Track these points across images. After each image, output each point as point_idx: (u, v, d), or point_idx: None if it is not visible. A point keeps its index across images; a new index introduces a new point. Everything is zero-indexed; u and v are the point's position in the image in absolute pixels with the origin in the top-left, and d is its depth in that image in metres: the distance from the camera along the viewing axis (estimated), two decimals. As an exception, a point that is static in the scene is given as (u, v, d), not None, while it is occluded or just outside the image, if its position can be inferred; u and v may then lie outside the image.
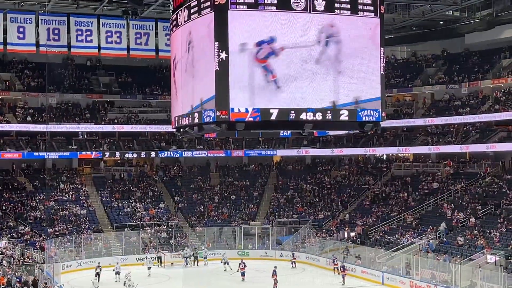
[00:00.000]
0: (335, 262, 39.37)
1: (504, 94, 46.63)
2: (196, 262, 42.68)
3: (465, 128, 48.44)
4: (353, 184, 52.18)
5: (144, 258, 42.58)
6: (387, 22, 42.70)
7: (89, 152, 49.95)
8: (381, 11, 26.28)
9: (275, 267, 36.65)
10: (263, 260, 44.03)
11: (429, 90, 52.03)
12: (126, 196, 49.79)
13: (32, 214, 44.70)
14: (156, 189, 51.43)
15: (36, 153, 48.29)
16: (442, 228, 39.97)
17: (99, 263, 38.25)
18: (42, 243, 40.63)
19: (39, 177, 49.50)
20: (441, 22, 48.71)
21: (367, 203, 48.81)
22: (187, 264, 42.51)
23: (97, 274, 36.92)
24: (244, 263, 38.73)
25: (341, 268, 37.64)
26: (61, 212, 46.06)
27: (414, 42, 52.52)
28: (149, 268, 39.81)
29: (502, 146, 43.83)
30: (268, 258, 44.51)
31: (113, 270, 37.66)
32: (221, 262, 41.14)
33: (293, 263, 41.90)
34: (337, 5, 25.03)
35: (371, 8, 25.72)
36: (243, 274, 38.13)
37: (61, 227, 44.13)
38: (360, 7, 25.51)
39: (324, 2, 24.65)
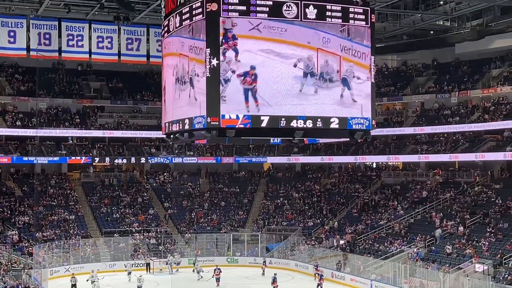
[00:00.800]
0: (318, 268, 39.57)
1: (494, 104, 46.91)
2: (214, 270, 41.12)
3: (454, 137, 48.67)
4: (343, 192, 52.27)
5: (133, 264, 42.44)
6: (378, 31, 42.88)
7: (79, 157, 49.78)
8: (372, 20, 26.44)
9: (275, 274, 36.70)
10: (252, 268, 44.00)
11: (419, 99, 52.26)
12: (115, 202, 49.63)
13: (20, 219, 44.47)
14: (146, 195, 51.31)
15: (25, 158, 48.10)
16: (437, 234, 40.12)
17: (92, 271, 37.53)
18: (30, 248, 40.41)
19: (28, 182, 49.27)
20: (432, 32, 48.99)
21: (356, 211, 48.89)
22: (171, 271, 42.33)
23: (73, 286, 35.86)
24: (219, 268, 38.79)
25: (319, 276, 37.88)
26: (50, 217, 45.86)
27: (404, 51, 52.75)
28: (129, 273, 39.66)
29: (491, 155, 44.06)
30: (257, 265, 44.46)
31: (87, 280, 36.27)
32: (193, 271, 40.77)
33: (263, 270, 41.58)
34: (328, 13, 25.21)
35: (362, 17, 25.88)
36: (218, 280, 38.17)
37: (50, 232, 43.92)
38: (351, 15, 25.69)
39: (315, 10, 24.78)
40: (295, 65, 24.20)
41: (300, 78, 24.02)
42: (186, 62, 25.31)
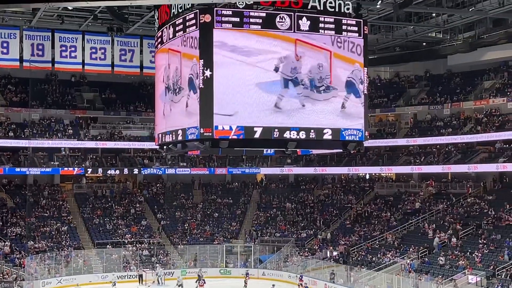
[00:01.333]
0: (302, 279, 39.56)
1: (486, 116, 47.12)
2: (198, 281, 40.46)
3: (447, 149, 48.83)
4: (336, 203, 52.28)
5: (125, 276, 42.27)
6: (371, 43, 43.08)
7: (71, 168, 49.61)
8: (365, 32, 26.61)
9: (273, 285, 36.52)
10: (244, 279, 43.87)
11: (412, 111, 52.46)
12: (108, 213, 49.48)
13: (12, 230, 44.26)
14: (138, 206, 51.18)
15: (17, 169, 47.90)
16: (435, 243, 40.17)
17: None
18: (22, 259, 40.21)
19: (20, 193, 49.09)
20: (424, 44, 49.25)
21: (349, 222, 48.89)
22: (159, 282, 42.06)
23: None
24: (204, 280, 38.71)
25: (304, 286, 37.94)
26: (42, 229, 45.67)
27: (397, 63, 53.01)
28: (113, 285, 39.44)
29: (484, 167, 44.22)
30: (250, 277, 44.29)
31: None
32: (177, 284, 40.65)
33: (245, 283, 41.16)
34: (321, 25, 25.37)
35: (355, 28, 26.07)
36: None
37: (42, 243, 43.72)
38: (344, 27, 25.86)
39: (308, 22, 24.93)
40: (276, 69, 24.20)
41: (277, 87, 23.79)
42: (178, 71, 25.31)
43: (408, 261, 39.02)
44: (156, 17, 28.75)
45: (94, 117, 53.82)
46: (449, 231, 41.29)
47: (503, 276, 33.89)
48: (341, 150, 28.05)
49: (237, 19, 24.11)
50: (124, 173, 51.95)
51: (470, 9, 39.39)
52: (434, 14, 42.36)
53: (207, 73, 23.06)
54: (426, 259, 39.24)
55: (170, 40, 26.21)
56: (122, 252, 44.72)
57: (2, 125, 49.64)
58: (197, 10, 24.04)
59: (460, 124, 48.49)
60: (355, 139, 25.23)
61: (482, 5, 38.76)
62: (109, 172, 51.07)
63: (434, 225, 43.07)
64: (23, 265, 39.40)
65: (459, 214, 43.42)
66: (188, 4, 24.06)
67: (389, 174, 53.42)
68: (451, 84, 51.66)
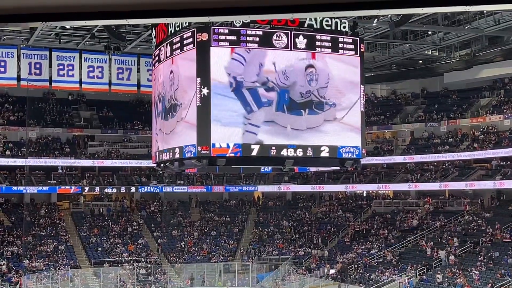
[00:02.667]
0: None
1: (483, 133, 47.21)
2: None
3: (444, 166, 48.84)
4: (334, 221, 52.16)
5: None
6: (367, 60, 43.25)
7: (68, 187, 49.49)
8: (361, 50, 26.74)
9: None
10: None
11: (408, 128, 52.55)
12: (105, 232, 49.30)
13: (9, 249, 44.05)
14: (135, 225, 51.00)
15: (14, 188, 47.77)
16: (442, 256, 40.06)
17: None
18: (19, 279, 39.96)
19: (17, 212, 48.92)
20: (420, 61, 49.46)
21: (347, 240, 48.76)
22: None
23: None
24: None
25: None
26: (39, 248, 45.46)
27: (393, 80, 53.18)
28: None
29: (481, 184, 44.22)
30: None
31: None
32: None
33: None
34: (318, 43, 25.48)
35: (352, 46, 26.20)
36: None
37: (39, 262, 43.50)
38: (340, 45, 25.99)
39: (305, 40, 25.05)
40: (272, 88, 24.29)
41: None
42: (176, 89, 25.36)
43: (406, 279, 38.86)
44: (153, 36, 28.87)
45: (91, 135, 53.82)
46: (447, 249, 41.19)
47: (501, 294, 33.77)
48: (339, 168, 28.07)
49: (234, 38, 24.24)
50: (121, 191, 51.82)
51: (466, 27, 39.62)
52: (430, 32, 42.59)
53: (204, 91, 23.12)
54: (425, 276, 39.09)
55: (167, 58, 26.30)
56: (119, 271, 44.49)
57: (-1, 143, 49.63)
58: (194, 29, 24.16)
59: (457, 141, 48.57)
60: (352, 156, 25.26)
61: (478, 23, 39.00)
62: (106, 190, 50.95)
63: (432, 242, 42.97)
64: (19, 285, 39.15)
65: (456, 232, 43.34)
66: (185, 23, 24.18)
67: (387, 192, 53.38)
68: (447, 102, 51.80)
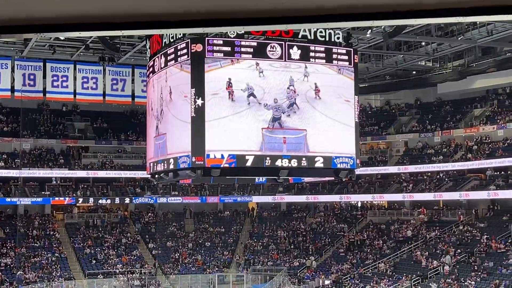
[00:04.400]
0: None
1: (476, 143, 47.34)
2: None
3: (438, 176, 48.91)
4: (328, 231, 52.11)
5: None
6: (361, 71, 43.38)
7: (62, 198, 49.36)
8: (355, 61, 26.84)
9: None
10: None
11: (402, 138, 52.66)
12: (99, 243, 49.10)
13: (2, 261, 43.81)
14: (130, 236, 50.83)
15: (8, 199, 47.61)
16: (447, 260, 40.00)
17: None
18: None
19: (11, 223, 48.70)
20: (414, 72, 49.64)
21: (342, 250, 48.70)
22: None
23: None
24: None
25: None
26: (32, 259, 45.22)
27: (387, 91, 53.35)
28: None
29: (475, 194, 44.31)
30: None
31: None
32: None
33: None
34: (312, 54, 25.56)
35: (346, 57, 26.29)
36: None
37: (32, 274, 43.26)
38: (334, 56, 26.07)
39: (299, 51, 25.14)
40: (267, 105, 24.33)
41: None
42: (170, 100, 25.39)
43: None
44: (147, 47, 28.91)
45: (86, 146, 53.74)
46: (441, 259, 41.17)
47: (496, 304, 33.74)
48: (333, 178, 28.07)
49: (229, 49, 24.30)
50: (116, 202, 51.71)
51: (459, 38, 39.81)
52: (423, 43, 42.76)
53: (199, 101, 23.14)
54: (419, 287, 39.05)
55: (161, 69, 26.33)
56: (113, 283, 44.28)
57: (-7, 155, 49.48)
58: (189, 40, 24.20)
59: (451, 151, 48.67)
60: (346, 167, 25.29)
61: (471, 33, 39.18)
62: (100, 201, 50.84)
63: (426, 252, 42.95)
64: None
65: (451, 242, 43.35)
66: (180, 34, 24.23)
67: (381, 202, 53.39)
68: (441, 112, 51.95)
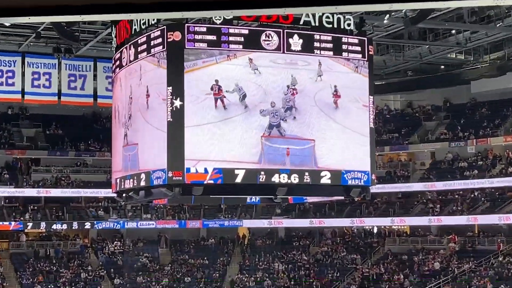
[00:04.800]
0: None
1: (519, 154, 47.52)
2: None
3: (472, 195, 48.97)
4: (337, 264, 52.08)
5: None
6: (378, 65, 43.45)
7: (7, 223, 49.17)
8: (370, 52, 26.90)
9: None
10: None
11: (428, 148, 52.71)
12: (52, 279, 48.93)
13: None
14: (91, 270, 50.68)
15: None
16: None
17: None
18: None
19: None
20: (442, 67, 49.74)
21: (354, 287, 48.68)
22: None
23: None
24: None
25: None
26: (-31, 299, 45.10)
27: (410, 90, 53.41)
28: None
29: (518, 217, 44.38)
30: None
31: None
32: None
33: None
34: (316, 44, 25.58)
35: (358, 48, 26.31)
36: None
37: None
38: (344, 47, 26.09)
39: (301, 41, 25.14)
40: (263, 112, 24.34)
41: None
42: (141, 100, 25.40)
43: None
44: (113, 35, 28.89)
45: (36, 158, 53.62)
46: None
47: None
48: (343, 198, 28.06)
49: (214, 37, 24.29)
50: (73, 228, 51.55)
51: (498, 25, 39.90)
52: (454, 31, 42.82)
53: (177, 103, 23.10)
54: None
55: (131, 62, 26.31)
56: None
57: None
58: (164, 27, 24.19)
59: (487, 164, 48.75)
60: (359, 183, 25.25)
61: None
62: (54, 227, 50.68)
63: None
64: None
65: (489, 276, 43.38)
66: (154, 19, 24.21)
67: (402, 227, 53.41)
68: (475, 116, 52.07)
